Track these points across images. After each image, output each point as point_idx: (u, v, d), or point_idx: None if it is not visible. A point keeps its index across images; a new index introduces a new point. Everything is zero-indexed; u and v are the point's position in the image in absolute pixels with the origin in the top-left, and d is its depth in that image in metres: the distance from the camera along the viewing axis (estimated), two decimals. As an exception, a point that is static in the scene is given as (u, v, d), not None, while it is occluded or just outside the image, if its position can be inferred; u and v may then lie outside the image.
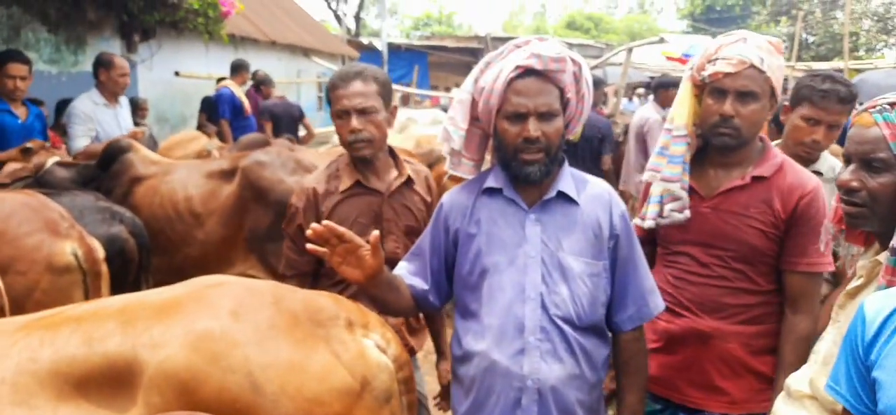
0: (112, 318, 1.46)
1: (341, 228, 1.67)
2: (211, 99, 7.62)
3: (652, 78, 10.10)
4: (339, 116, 2.16)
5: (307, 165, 3.52)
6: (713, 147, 1.99)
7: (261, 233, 3.42)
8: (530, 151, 1.69)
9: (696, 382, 2.02)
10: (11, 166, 3.53)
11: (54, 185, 3.48)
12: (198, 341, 1.40)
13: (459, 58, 20.16)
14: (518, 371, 1.69)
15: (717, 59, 1.92)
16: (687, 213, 1.98)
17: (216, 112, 7.17)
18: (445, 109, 8.32)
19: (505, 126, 1.72)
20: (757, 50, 1.89)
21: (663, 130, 2.07)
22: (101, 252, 2.62)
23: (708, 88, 1.95)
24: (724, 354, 1.98)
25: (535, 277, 1.72)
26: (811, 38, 20.40)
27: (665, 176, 2.00)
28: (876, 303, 1.19)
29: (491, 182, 1.80)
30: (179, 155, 5.09)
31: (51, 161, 3.63)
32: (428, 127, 7.31)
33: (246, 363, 1.40)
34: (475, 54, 18.47)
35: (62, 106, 5.46)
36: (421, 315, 2.36)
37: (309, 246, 1.67)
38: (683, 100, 2.02)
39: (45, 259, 2.44)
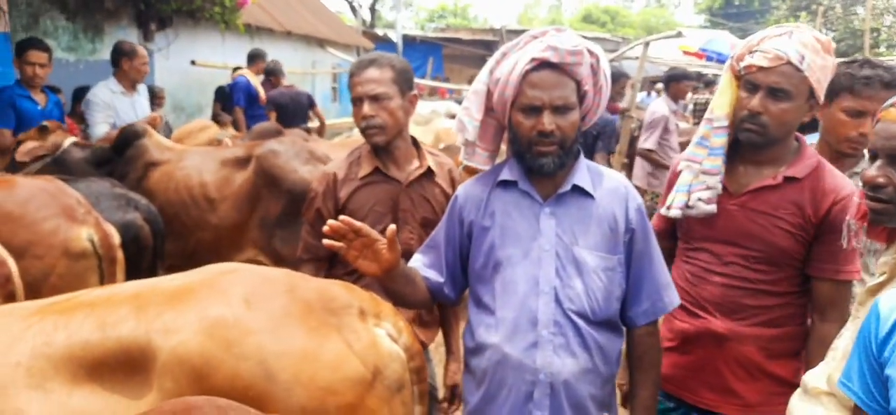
0: (126, 303, 1.47)
1: (358, 223, 1.66)
2: (225, 89, 7.64)
3: (669, 72, 9.96)
4: (354, 102, 2.18)
5: (320, 155, 3.56)
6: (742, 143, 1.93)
7: (272, 220, 3.46)
8: (544, 144, 1.67)
9: (710, 383, 1.97)
10: (29, 144, 3.58)
11: (70, 166, 3.52)
12: (211, 327, 1.41)
13: (474, 50, 20.11)
14: (531, 365, 1.68)
15: (755, 50, 1.85)
16: (714, 206, 1.92)
17: (230, 102, 7.17)
18: (459, 103, 8.27)
19: (519, 118, 1.70)
20: (799, 46, 1.80)
21: (704, 119, 2.00)
22: (116, 238, 2.64)
23: (742, 81, 1.88)
24: (740, 356, 1.93)
25: (549, 270, 1.70)
26: (831, 34, 20.14)
27: (706, 169, 1.94)
28: (891, 300, 1.18)
29: (506, 174, 1.79)
30: (189, 144, 5.11)
31: (68, 142, 3.67)
32: (446, 119, 7.27)
33: (259, 351, 1.40)
34: (490, 47, 18.42)
35: (79, 94, 5.50)
36: (434, 308, 2.35)
37: (325, 241, 1.66)
38: (724, 90, 1.95)
39: (61, 244, 2.46)
